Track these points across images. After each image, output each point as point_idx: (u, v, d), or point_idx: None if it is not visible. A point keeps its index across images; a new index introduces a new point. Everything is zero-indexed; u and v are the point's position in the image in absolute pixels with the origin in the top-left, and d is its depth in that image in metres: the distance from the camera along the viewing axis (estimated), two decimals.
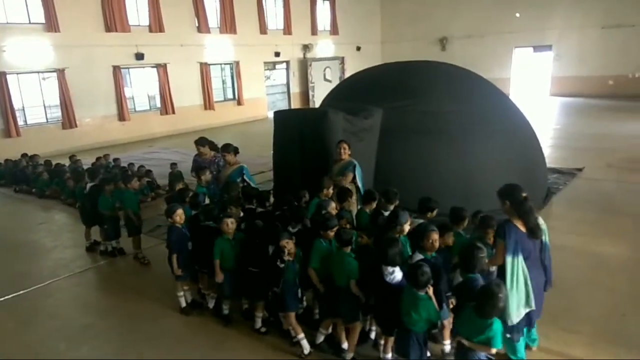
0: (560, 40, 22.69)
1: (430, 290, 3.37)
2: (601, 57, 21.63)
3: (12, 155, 12.22)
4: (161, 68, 17.59)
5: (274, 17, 22.30)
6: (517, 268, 3.53)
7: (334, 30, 25.26)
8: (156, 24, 17.20)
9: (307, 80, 23.57)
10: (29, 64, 14.42)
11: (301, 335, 4.16)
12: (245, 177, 6.14)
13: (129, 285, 5.84)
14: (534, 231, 3.57)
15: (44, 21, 14.49)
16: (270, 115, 15.36)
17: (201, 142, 6.88)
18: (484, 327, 3.00)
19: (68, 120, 15.30)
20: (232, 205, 4.97)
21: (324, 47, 24.73)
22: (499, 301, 2.93)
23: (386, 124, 7.00)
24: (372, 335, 4.30)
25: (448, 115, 7.05)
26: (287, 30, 22.60)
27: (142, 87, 18.04)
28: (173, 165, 9.86)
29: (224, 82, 20.89)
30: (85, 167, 10.00)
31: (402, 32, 27.15)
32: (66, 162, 11.06)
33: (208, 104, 19.46)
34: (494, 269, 3.79)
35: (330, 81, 23.55)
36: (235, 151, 6.26)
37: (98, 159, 10.94)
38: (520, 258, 3.54)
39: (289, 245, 4.00)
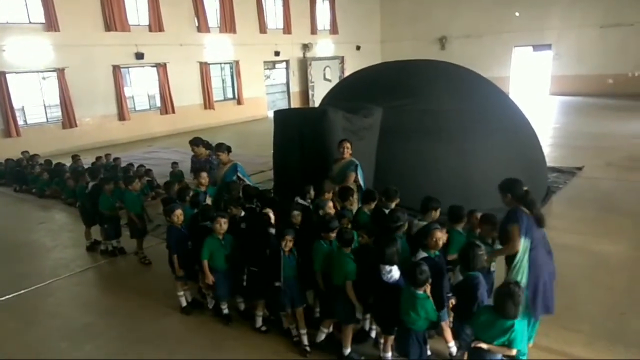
0: (560, 40, 22.70)
1: (428, 289, 3.37)
2: (600, 56, 21.65)
3: (12, 155, 12.18)
4: (161, 67, 17.59)
5: (274, 16, 22.29)
6: (524, 250, 3.59)
7: (334, 29, 25.25)
8: (156, 24, 17.20)
9: (307, 79, 23.57)
10: (28, 63, 14.42)
11: (303, 331, 4.21)
12: (239, 174, 6.14)
13: (130, 285, 5.84)
14: (540, 219, 3.64)
15: (43, 21, 14.49)
16: (270, 114, 15.41)
17: (195, 142, 6.98)
18: (505, 329, 2.95)
19: (68, 119, 15.31)
20: (232, 205, 4.96)
21: (324, 46, 24.73)
22: (519, 299, 2.90)
23: (386, 122, 7.01)
24: (373, 334, 4.31)
25: (448, 114, 7.05)
26: (287, 29, 22.60)
27: (142, 86, 18.02)
28: (174, 164, 9.89)
29: (223, 81, 20.88)
30: (85, 166, 10.00)
31: (401, 32, 27.15)
32: (66, 161, 11.04)
33: (208, 103, 19.46)
34: (494, 267, 3.80)
35: (330, 80, 23.53)
36: (228, 150, 6.31)
37: (98, 158, 10.94)
38: (528, 242, 3.59)
39: (289, 242, 4.06)
